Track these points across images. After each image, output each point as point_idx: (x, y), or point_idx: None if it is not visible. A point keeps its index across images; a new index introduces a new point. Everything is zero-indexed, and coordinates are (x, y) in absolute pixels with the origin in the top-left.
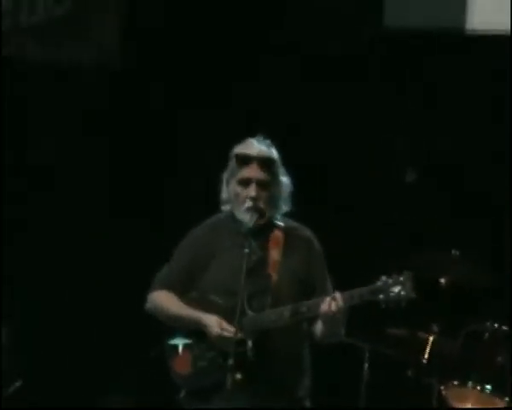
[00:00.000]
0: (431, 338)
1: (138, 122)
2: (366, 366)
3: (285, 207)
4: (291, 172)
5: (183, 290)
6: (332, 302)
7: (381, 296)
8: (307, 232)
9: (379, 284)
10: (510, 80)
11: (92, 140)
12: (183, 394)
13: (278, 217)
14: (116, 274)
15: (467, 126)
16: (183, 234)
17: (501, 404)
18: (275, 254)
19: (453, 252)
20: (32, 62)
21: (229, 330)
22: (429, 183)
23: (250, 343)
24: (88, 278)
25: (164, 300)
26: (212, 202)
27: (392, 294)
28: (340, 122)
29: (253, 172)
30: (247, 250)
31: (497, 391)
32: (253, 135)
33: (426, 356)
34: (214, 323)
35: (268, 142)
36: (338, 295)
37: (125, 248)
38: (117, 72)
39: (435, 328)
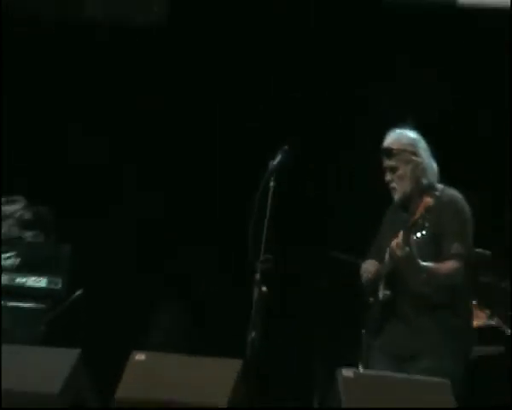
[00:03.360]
0: None
1: (189, 78)
2: None
3: (425, 180)
4: None
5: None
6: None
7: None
8: (453, 196)
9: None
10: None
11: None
12: None
13: (439, 188)
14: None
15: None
16: None
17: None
18: (420, 217)
19: None
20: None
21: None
22: None
23: (381, 286)
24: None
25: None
26: None
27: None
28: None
29: (384, 162)
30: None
31: None
32: None
33: None
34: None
35: (399, 132)
36: (401, 232)
37: None
38: (165, 29)
39: None
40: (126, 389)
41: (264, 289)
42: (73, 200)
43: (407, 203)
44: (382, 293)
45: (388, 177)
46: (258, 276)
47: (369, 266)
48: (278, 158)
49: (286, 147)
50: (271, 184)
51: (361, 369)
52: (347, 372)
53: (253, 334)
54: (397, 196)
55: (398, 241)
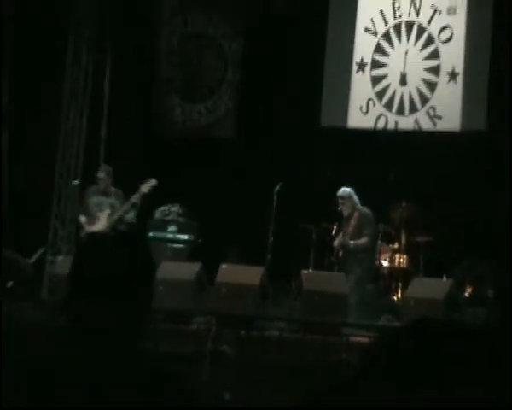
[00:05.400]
0: None
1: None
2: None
3: (357, 206)
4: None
5: None
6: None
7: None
8: (366, 210)
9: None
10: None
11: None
12: None
13: (360, 208)
14: None
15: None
16: None
17: None
18: (353, 222)
19: None
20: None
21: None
22: None
23: (341, 252)
24: None
25: None
26: None
27: None
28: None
29: (339, 201)
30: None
31: None
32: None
33: None
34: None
35: (344, 188)
36: (342, 232)
37: None
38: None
39: None
40: (220, 277)
41: (272, 238)
42: (197, 204)
43: (348, 217)
44: (341, 252)
45: (340, 207)
46: (270, 236)
47: (337, 241)
48: (277, 187)
49: (281, 183)
50: (275, 198)
51: (311, 270)
52: (305, 271)
53: (269, 256)
54: (345, 214)
55: (340, 235)
